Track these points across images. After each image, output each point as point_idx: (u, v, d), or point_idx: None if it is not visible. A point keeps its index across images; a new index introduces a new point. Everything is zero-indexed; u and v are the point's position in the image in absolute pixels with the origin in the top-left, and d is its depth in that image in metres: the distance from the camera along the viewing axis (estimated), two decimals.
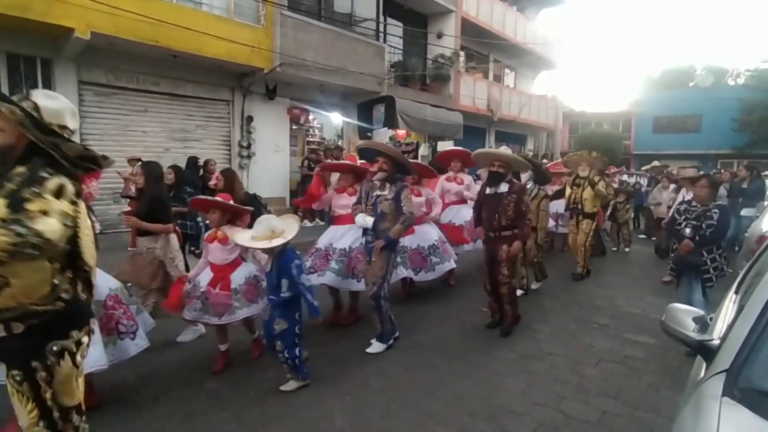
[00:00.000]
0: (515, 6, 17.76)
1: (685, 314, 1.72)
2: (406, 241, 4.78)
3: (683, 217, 3.94)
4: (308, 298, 3.03)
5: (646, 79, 29.45)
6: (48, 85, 7.37)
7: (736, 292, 2.19)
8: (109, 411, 2.88)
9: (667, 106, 23.15)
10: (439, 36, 14.11)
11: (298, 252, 3.23)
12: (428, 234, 5.07)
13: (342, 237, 4.37)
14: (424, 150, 13.82)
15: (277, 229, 3.05)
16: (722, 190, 7.31)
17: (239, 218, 3.62)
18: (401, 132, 12.72)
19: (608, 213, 7.74)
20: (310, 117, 11.55)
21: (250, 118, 9.90)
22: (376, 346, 3.81)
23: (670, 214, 5.96)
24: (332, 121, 12.00)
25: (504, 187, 4.14)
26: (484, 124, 17.09)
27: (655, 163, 11.99)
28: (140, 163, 4.69)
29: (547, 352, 3.87)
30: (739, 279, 2.43)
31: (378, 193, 3.70)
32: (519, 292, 4.89)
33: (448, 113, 13.28)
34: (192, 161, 7.66)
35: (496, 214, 4.10)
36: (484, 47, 16.47)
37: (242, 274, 3.48)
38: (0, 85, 7.00)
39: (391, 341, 3.87)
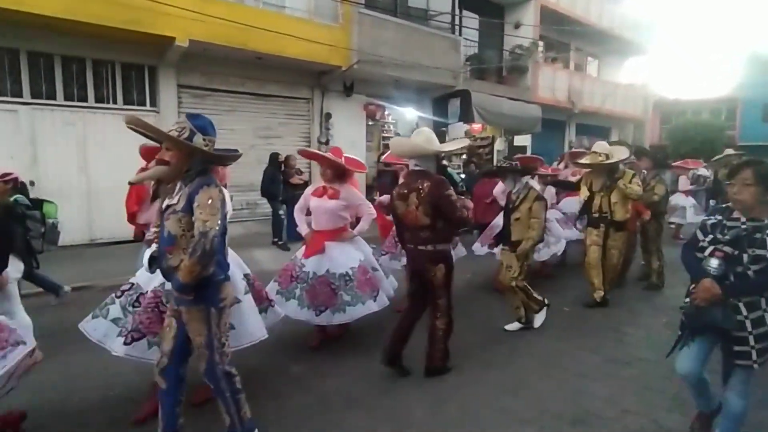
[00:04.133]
0: None
1: None
2: (310, 265, 3.62)
3: (711, 236, 2.30)
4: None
5: (753, 59, 25.17)
6: (153, 89, 8.17)
7: None
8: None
9: None
10: (517, 26, 13.62)
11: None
12: (345, 257, 3.68)
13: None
14: (500, 144, 13.48)
15: None
16: None
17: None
18: (477, 126, 12.50)
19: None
20: (386, 113, 11.71)
21: (328, 115, 10.25)
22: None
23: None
24: (406, 117, 12.06)
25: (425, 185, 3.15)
26: (563, 117, 16.27)
27: (729, 151, 9.46)
28: None
29: (638, 357, 3.65)
30: None
31: (168, 202, 2.29)
32: (515, 326, 4.26)
33: (526, 106, 12.81)
34: (274, 157, 8.09)
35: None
36: (565, 36, 15.65)
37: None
38: (117, 89, 7.88)
39: None
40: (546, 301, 4.39)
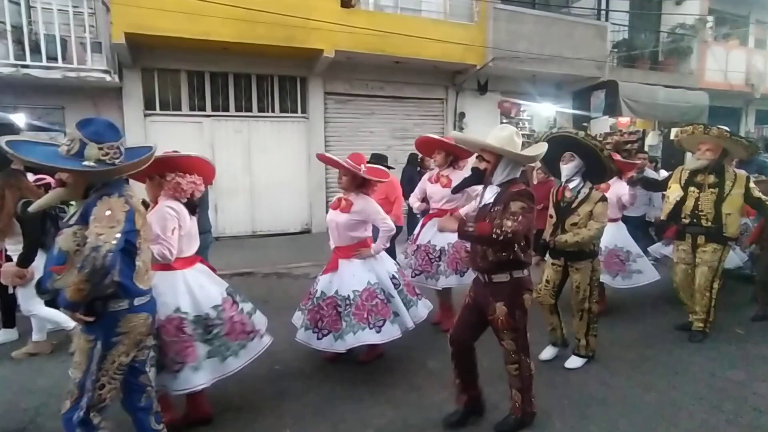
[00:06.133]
0: None
1: None
2: (321, 284, 3.39)
3: None
4: None
5: None
6: (304, 97, 9.10)
7: None
8: (356, 381, 3.49)
9: None
10: (679, 2, 11.99)
11: None
12: (353, 277, 3.31)
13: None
14: (652, 139, 12.06)
15: None
16: None
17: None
18: (624, 120, 11.34)
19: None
20: (521, 109, 11.30)
21: (462, 114, 10.27)
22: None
23: None
24: (543, 113, 11.48)
25: (490, 194, 2.58)
26: (739, 103, 13.86)
27: None
28: None
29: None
30: None
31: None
32: (578, 362, 3.49)
33: (688, 93, 11.22)
34: (412, 158, 8.37)
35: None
36: (741, 6, 13.31)
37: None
38: (275, 100, 8.94)
39: None
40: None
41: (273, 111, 8.98)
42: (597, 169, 3.32)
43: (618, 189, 4.36)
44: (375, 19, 8.30)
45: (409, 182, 8.11)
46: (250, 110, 8.81)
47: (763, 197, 3.74)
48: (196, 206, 2.80)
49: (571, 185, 3.41)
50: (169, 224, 2.53)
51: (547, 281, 3.54)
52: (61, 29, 6.90)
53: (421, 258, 4.11)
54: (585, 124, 11.00)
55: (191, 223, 2.74)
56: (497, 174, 2.51)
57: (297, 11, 7.43)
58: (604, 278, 4.25)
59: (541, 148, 2.63)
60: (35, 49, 6.75)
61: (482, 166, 2.54)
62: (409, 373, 3.49)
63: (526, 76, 10.25)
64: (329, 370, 3.53)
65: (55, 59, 6.86)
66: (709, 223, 3.74)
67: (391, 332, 3.25)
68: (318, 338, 3.21)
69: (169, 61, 8.06)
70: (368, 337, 3.18)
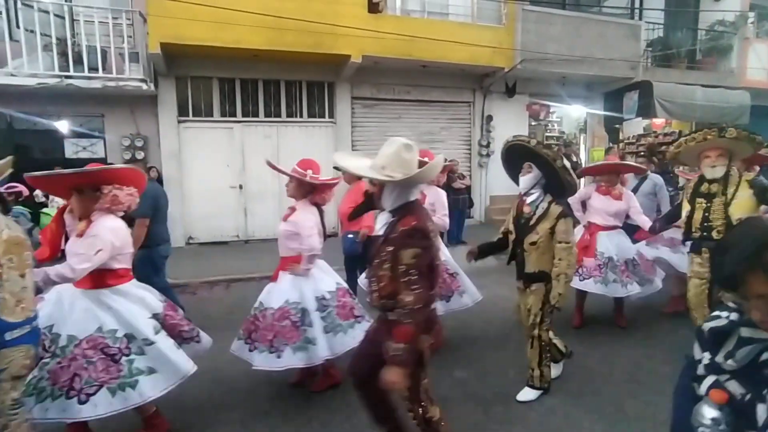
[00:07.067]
0: None
1: None
2: (261, 294, 3.25)
3: (709, 358, 1.30)
4: None
5: None
6: (332, 102, 9.22)
7: None
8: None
9: None
10: None
11: None
12: (278, 294, 3.13)
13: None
14: None
15: None
16: None
17: None
18: (658, 121, 11.01)
19: None
20: (550, 111, 11.12)
21: (489, 118, 10.17)
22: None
23: None
24: (573, 115, 11.26)
25: (381, 223, 2.29)
26: None
27: None
28: None
29: None
30: None
31: None
32: (532, 394, 3.16)
33: (728, 93, 10.78)
34: None
35: (373, 276, 2.19)
36: None
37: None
38: (303, 105, 9.10)
39: None
40: (567, 349, 3.43)
41: (301, 116, 9.13)
42: (554, 182, 2.97)
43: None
44: (402, 24, 8.33)
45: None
46: (279, 115, 8.98)
47: None
48: (133, 219, 2.74)
49: (529, 199, 3.05)
50: (98, 244, 2.45)
51: (519, 305, 3.30)
52: (101, 41, 7.22)
53: None
54: (617, 125, 10.74)
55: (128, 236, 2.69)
56: (385, 198, 2.12)
57: (325, 18, 7.54)
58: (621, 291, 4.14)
59: (437, 164, 2.19)
60: (78, 60, 7.10)
61: (371, 189, 2.21)
62: (436, 383, 3.48)
63: (555, 78, 10.08)
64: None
65: (96, 69, 7.19)
66: (721, 236, 3.34)
67: (289, 361, 2.94)
68: (249, 350, 3.05)
69: (201, 69, 8.31)
70: (266, 361, 2.95)
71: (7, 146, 7.95)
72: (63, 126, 7.83)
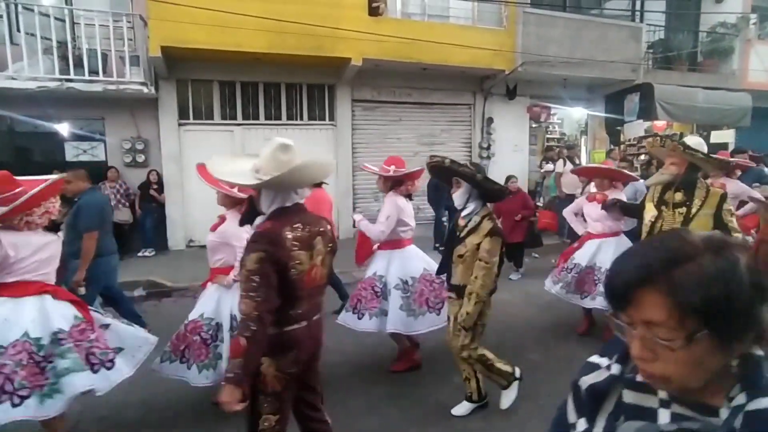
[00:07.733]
0: None
1: None
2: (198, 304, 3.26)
3: (586, 424, 0.90)
4: None
5: None
6: (332, 105, 9.21)
7: None
8: (381, 395, 3.49)
9: None
10: (719, 0, 11.52)
11: None
12: (200, 306, 3.19)
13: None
14: (690, 142, 11.59)
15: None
16: None
17: None
18: (660, 123, 10.98)
19: None
20: (551, 113, 11.10)
21: (490, 120, 10.16)
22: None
23: None
24: (574, 117, 11.25)
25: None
26: None
27: None
28: None
29: None
30: None
31: None
32: (465, 408, 3.09)
33: (729, 95, 10.76)
34: None
35: None
36: None
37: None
38: (304, 108, 9.09)
39: None
40: (517, 373, 3.15)
41: (302, 119, 9.13)
42: (484, 191, 2.94)
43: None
44: (402, 27, 8.32)
45: (435, 190, 8.13)
46: (280, 118, 8.98)
47: (733, 226, 3.02)
48: (57, 225, 2.71)
49: (465, 212, 2.98)
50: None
51: (448, 317, 3.12)
52: (102, 44, 7.23)
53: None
54: (618, 128, 10.71)
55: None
56: (262, 202, 1.99)
57: (325, 21, 7.54)
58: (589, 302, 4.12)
59: (311, 163, 1.99)
60: (78, 64, 7.10)
61: (252, 193, 2.06)
62: (434, 389, 3.48)
63: (556, 80, 10.07)
64: (353, 383, 3.56)
65: (97, 73, 7.19)
66: None
67: (197, 378, 2.91)
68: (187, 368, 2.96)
69: (202, 72, 8.31)
70: (174, 370, 2.93)
71: (7, 149, 7.97)
72: (63, 129, 7.83)
